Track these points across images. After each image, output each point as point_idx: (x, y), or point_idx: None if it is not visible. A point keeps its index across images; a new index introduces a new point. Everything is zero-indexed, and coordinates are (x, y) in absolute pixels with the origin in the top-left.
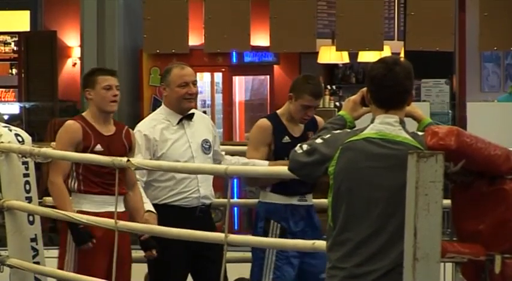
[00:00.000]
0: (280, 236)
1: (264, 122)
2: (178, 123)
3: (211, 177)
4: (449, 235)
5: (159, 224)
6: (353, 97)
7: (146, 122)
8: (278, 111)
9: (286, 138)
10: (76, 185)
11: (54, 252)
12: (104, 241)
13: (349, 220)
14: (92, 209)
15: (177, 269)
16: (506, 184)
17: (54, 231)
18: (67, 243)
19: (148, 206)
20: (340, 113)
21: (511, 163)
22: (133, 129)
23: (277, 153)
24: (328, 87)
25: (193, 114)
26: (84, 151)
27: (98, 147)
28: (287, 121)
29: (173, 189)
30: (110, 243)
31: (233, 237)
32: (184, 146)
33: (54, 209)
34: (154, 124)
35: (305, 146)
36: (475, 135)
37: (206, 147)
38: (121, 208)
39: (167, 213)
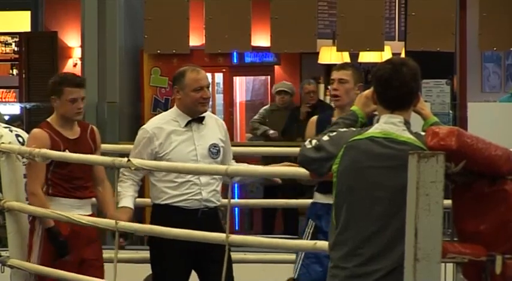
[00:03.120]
0: (313, 235)
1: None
2: (186, 125)
3: (215, 182)
4: (450, 236)
5: (161, 224)
6: (366, 92)
7: (154, 121)
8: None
9: None
10: (45, 189)
11: None
12: (71, 241)
13: (351, 219)
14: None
15: (177, 269)
16: (507, 184)
17: None
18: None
19: (125, 201)
20: (353, 108)
21: (511, 163)
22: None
23: None
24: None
25: (203, 117)
26: None
27: (67, 152)
28: None
29: (174, 190)
30: (76, 243)
31: (234, 237)
32: (189, 149)
33: (55, 211)
34: (162, 123)
35: (314, 142)
36: (476, 136)
37: (214, 151)
38: (88, 211)
39: (168, 213)
